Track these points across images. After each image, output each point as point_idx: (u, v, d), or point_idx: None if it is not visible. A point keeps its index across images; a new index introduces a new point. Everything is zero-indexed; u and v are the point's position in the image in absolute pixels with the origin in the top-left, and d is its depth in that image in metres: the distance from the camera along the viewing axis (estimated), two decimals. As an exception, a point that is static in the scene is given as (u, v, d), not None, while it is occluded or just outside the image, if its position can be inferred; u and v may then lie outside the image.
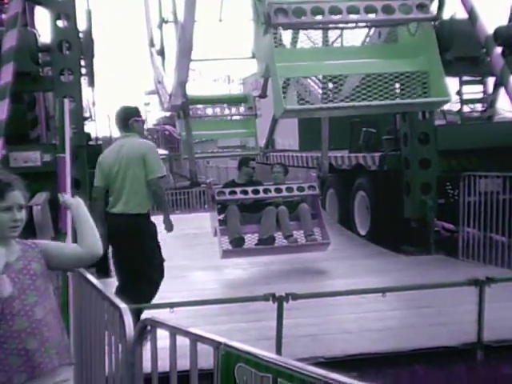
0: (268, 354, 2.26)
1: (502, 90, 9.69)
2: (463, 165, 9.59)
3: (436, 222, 9.56)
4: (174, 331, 2.63)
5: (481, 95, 12.51)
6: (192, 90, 11.33)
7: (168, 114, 35.80)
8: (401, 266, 8.57)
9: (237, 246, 8.45)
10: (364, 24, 6.63)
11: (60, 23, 8.79)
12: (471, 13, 8.75)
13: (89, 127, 11.03)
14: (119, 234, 5.69)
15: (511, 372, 4.98)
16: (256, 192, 8.58)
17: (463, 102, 12.54)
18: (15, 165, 8.39)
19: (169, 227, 6.16)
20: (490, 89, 12.18)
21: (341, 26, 6.56)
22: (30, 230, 6.26)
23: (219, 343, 2.38)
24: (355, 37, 7.11)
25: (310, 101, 6.32)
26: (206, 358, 2.53)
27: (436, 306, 6.29)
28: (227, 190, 8.61)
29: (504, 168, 8.74)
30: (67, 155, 4.27)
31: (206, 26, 9.13)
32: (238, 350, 2.32)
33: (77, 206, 3.11)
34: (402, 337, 5.61)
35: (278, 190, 8.66)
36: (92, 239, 3.03)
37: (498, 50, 8.96)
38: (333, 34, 7.07)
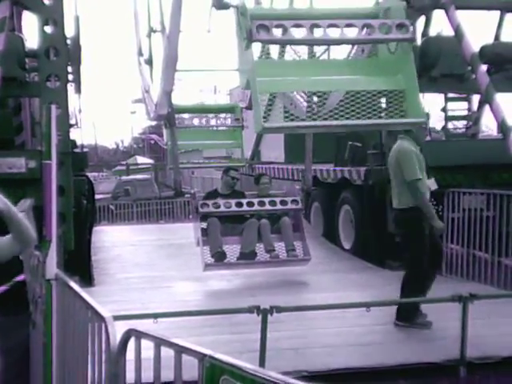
0: (253, 367, 2.25)
1: (487, 108, 9.79)
2: (448, 181, 9.61)
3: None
4: (159, 342, 2.60)
5: (465, 112, 12.63)
6: (178, 99, 11.38)
7: (154, 123, 35.78)
8: (385, 280, 8.56)
9: (218, 260, 8.47)
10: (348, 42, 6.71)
11: (48, 29, 8.74)
12: (457, 30, 8.84)
13: (74, 134, 10.98)
14: None
15: (493, 389, 4.98)
16: (239, 205, 8.62)
17: (448, 118, 12.66)
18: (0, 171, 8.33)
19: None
20: (475, 106, 12.31)
21: (321, 43, 6.63)
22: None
23: (204, 355, 2.36)
24: (341, 51, 7.17)
25: (295, 113, 6.33)
26: (190, 370, 2.50)
27: (420, 322, 6.29)
28: (211, 202, 8.62)
29: (488, 185, 8.81)
30: (53, 162, 4.22)
31: (194, 37, 9.18)
32: (223, 363, 2.30)
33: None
34: (385, 352, 5.61)
35: (262, 203, 8.70)
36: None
37: (484, 67, 9.06)
38: (319, 48, 7.13)
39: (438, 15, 9.58)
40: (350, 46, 7.09)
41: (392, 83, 6.17)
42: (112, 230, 13.94)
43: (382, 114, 6.13)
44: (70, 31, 9.15)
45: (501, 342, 5.78)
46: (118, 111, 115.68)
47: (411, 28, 6.21)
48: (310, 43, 6.50)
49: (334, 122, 5.96)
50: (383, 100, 6.15)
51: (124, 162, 37.63)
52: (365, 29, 6.10)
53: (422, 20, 10.51)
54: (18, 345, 6.37)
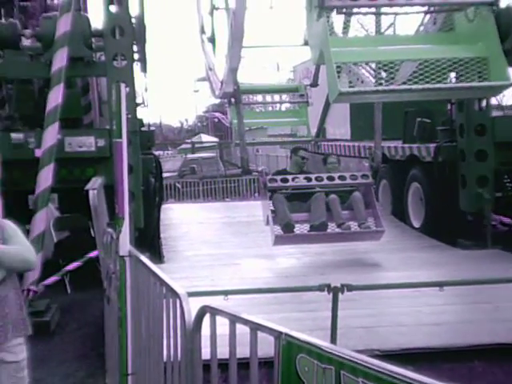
0: (330, 345, 2.21)
1: None
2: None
3: (493, 216, 9.34)
4: (234, 319, 2.60)
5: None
6: (242, 77, 11.34)
7: (218, 101, 35.95)
8: (456, 259, 8.39)
9: (288, 232, 8.35)
10: (419, 9, 6.50)
11: (113, 8, 8.81)
12: (530, 0, 8.48)
13: (141, 113, 11.10)
14: None
15: None
16: (308, 179, 8.49)
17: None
18: (70, 149, 8.49)
19: None
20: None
21: (395, 10, 6.44)
22: (86, 214, 6.38)
23: (280, 333, 2.34)
24: (408, 25, 6.97)
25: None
26: (265, 347, 2.49)
27: (494, 302, 6.15)
28: (279, 178, 8.55)
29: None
30: (124, 140, 4.25)
31: (256, 14, 9.10)
32: (300, 341, 2.28)
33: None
34: (458, 332, 5.51)
35: (331, 178, 8.53)
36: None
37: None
38: (386, 22, 6.95)
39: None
40: (420, 18, 6.88)
41: (473, 50, 5.96)
42: (179, 207, 14.12)
43: (462, 82, 5.92)
44: (134, 10, 9.21)
45: None
46: (182, 90, 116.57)
47: None
48: (385, 5, 6.32)
49: (414, 86, 5.79)
50: (465, 68, 5.92)
51: (189, 141, 37.99)
52: None
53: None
54: (94, 319, 6.56)
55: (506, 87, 6.31)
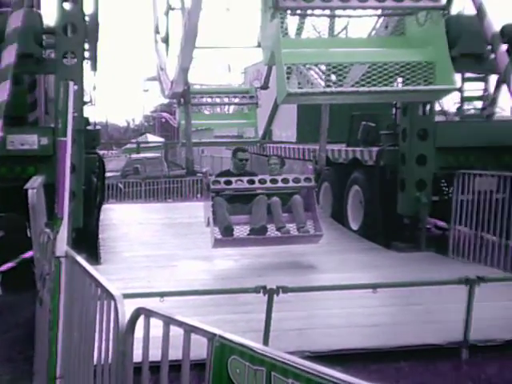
0: (262, 347, 2.27)
1: (504, 88, 9.70)
2: (460, 162, 9.56)
3: (428, 220, 9.58)
4: (168, 321, 2.62)
5: (481, 93, 12.51)
6: (192, 78, 11.32)
7: (166, 101, 35.64)
8: (391, 261, 8.59)
9: (227, 235, 8.41)
10: (372, 12, 6.60)
11: (66, 5, 8.71)
12: (480, 9, 8.73)
13: (87, 112, 10.97)
14: None
15: (494, 371, 5.00)
16: (251, 182, 8.56)
17: (464, 99, 12.55)
18: (12, 147, 8.35)
19: None
20: (492, 87, 12.19)
21: (348, 12, 6.53)
22: (23, 214, 6.27)
23: (214, 335, 2.38)
24: (361, 28, 7.08)
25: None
26: (198, 349, 2.53)
27: (425, 304, 6.32)
28: (222, 180, 8.60)
29: (500, 167, 8.77)
30: (68, 139, 4.23)
31: (212, 15, 9.11)
32: (233, 343, 2.32)
33: None
34: (388, 333, 5.64)
35: (274, 181, 8.62)
36: None
37: (504, 47, 8.96)
38: (339, 25, 7.05)
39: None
40: (372, 22, 6.98)
41: (421, 55, 6.08)
42: (120, 208, 13.98)
43: (409, 85, 6.04)
44: (88, 8, 9.11)
45: (505, 325, 5.81)
46: (130, 89, 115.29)
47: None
48: (339, 8, 6.38)
49: (361, 88, 5.89)
50: (412, 72, 6.04)
51: (134, 140, 37.63)
52: None
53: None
54: (24, 322, 6.44)
55: (450, 91, 6.47)
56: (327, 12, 6.48)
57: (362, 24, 7.03)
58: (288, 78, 6.17)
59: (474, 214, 8.50)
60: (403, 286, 6.22)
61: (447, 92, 6.54)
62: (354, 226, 10.83)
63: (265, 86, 11.11)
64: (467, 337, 5.26)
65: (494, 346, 5.34)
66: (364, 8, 6.22)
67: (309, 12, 6.46)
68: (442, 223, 9.79)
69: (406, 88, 6.17)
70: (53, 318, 3.89)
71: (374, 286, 5.45)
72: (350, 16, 6.70)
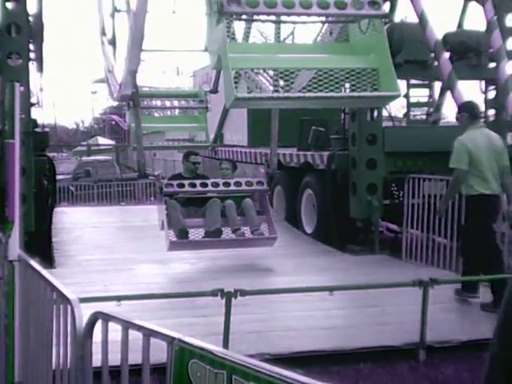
0: (223, 350, 2.25)
1: (448, 95, 9.92)
2: (409, 167, 9.76)
3: (381, 223, 9.71)
4: (127, 325, 2.59)
5: (427, 99, 12.78)
6: (141, 80, 11.25)
7: (115, 103, 35.31)
8: (346, 264, 8.66)
9: (182, 238, 8.39)
10: (316, 19, 6.69)
11: (9, 5, 8.53)
12: (421, 17, 8.92)
13: (35, 113, 10.79)
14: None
15: (451, 372, 5.08)
16: (204, 185, 8.56)
17: (410, 105, 12.80)
18: (-44, 151, 8.12)
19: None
20: (437, 93, 12.46)
21: (293, 19, 6.60)
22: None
23: (173, 338, 2.35)
24: (307, 34, 7.15)
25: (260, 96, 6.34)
26: (157, 353, 2.50)
27: (380, 306, 6.38)
28: (175, 183, 8.57)
29: (447, 171, 8.93)
30: (16, 141, 4.14)
31: (158, 17, 9.06)
32: (193, 346, 2.30)
33: None
34: (347, 335, 5.69)
35: (227, 184, 8.65)
36: None
37: (446, 55, 9.17)
38: (285, 31, 7.10)
39: (403, 1, 9.64)
40: (317, 29, 7.06)
41: (365, 62, 6.19)
42: (72, 211, 13.80)
43: (355, 92, 6.15)
44: (32, 8, 8.95)
45: (460, 326, 5.92)
46: (79, 91, 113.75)
47: (383, 5, 6.22)
48: (284, 19, 6.46)
49: (308, 94, 5.96)
50: (357, 78, 6.16)
51: (85, 143, 37.17)
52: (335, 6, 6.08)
53: (386, 6, 10.58)
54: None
55: (394, 97, 6.58)
56: (272, 18, 6.54)
57: (307, 30, 7.10)
58: (236, 82, 6.21)
59: (424, 218, 8.64)
60: (359, 288, 6.29)
61: (391, 98, 6.66)
62: (309, 230, 10.90)
63: (214, 90, 11.10)
64: (423, 338, 5.33)
65: (451, 347, 5.42)
66: (308, 15, 6.31)
67: (254, 17, 6.50)
68: (393, 226, 9.94)
69: (350, 94, 6.28)
70: (9, 323, 3.79)
71: (331, 289, 5.49)
72: (295, 22, 6.77)
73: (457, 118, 7.05)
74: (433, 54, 9.38)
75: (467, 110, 6.81)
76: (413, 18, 9.49)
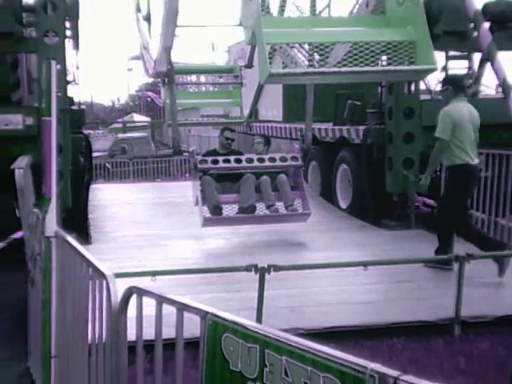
0: (256, 324, 2.26)
1: (488, 67, 9.69)
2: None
3: (417, 198, 9.61)
4: (161, 299, 2.61)
5: (466, 71, 12.50)
6: (176, 57, 11.26)
7: (151, 80, 35.49)
8: (381, 240, 8.60)
9: (216, 214, 8.42)
10: None
11: (46, -17, 8.57)
12: (461, -13, 8.69)
13: (71, 91, 10.88)
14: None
15: (486, 347, 5.04)
16: (238, 161, 8.55)
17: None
18: (-4, 127, 8.26)
19: None
20: (476, 65, 12.19)
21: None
22: (11, 194, 6.22)
23: (207, 312, 2.36)
24: (343, 7, 7.06)
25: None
26: (191, 327, 2.52)
27: (416, 281, 6.35)
28: (209, 159, 8.58)
29: (487, 145, 8.78)
30: (53, 119, 4.18)
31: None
32: (226, 320, 2.31)
33: None
34: (381, 310, 5.67)
35: (261, 160, 8.64)
36: None
37: (486, 25, 8.94)
38: (321, 4, 7.02)
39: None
40: (353, 1, 6.96)
41: (401, 34, 6.10)
42: (108, 188, 13.93)
43: (391, 65, 6.09)
44: (68, -14, 8.96)
45: (496, 301, 5.85)
46: (114, 68, 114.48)
47: None
48: None
49: (344, 69, 5.91)
50: (393, 52, 6.09)
51: (120, 120, 37.45)
52: None
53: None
54: (16, 302, 6.42)
55: (431, 71, 6.49)
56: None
57: (343, 2, 7.01)
58: (271, 57, 6.17)
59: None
60: (394, 263, 6.26)
61: (428, 72, 6.58)
62: (344, 205, 10.84)
63: (249, 65, 11.05)
64: (459, 313, 5.29)
65: (486, 323, 5.37)
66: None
67: None
68: (430, 201, 9.82)
69: (386, 68, 6.21)
70: (45, 298, 3.87)
71: (366, 264, 5.48)
72: None
73: (441, 91, 7.08)
74: (472, 25, 9.15)
75: (452, 84, 6.95)
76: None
